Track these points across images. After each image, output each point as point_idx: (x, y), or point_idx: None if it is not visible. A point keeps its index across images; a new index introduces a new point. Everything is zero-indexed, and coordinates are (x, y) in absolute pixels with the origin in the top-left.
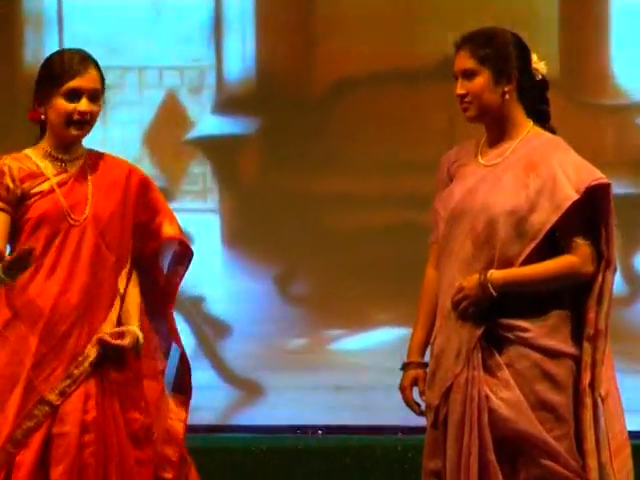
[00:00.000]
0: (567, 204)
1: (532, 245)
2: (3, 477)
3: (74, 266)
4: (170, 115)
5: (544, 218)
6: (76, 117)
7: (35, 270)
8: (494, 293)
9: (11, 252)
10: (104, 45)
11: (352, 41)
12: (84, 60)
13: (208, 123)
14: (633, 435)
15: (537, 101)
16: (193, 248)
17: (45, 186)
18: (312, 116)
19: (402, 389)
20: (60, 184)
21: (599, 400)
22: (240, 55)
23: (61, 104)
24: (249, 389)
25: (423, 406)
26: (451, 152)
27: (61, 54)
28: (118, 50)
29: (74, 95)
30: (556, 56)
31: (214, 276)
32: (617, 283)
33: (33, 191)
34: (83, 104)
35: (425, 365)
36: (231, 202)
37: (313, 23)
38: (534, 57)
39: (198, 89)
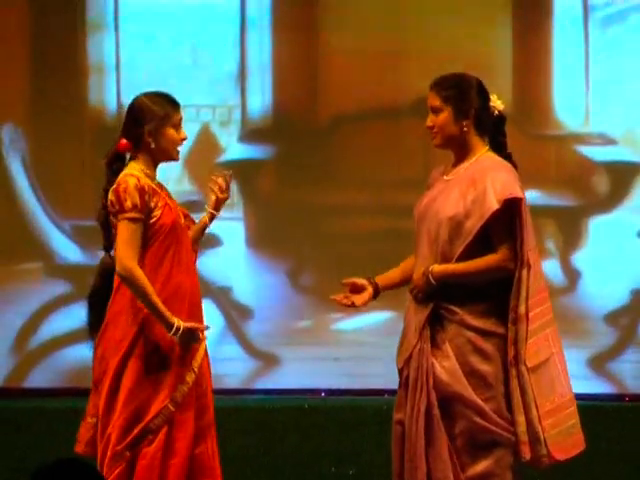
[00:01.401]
0: (489, 213)
1: (464, 245)
2: (165, 432)
3: (189, 259)
4: (205, 143)
5: (474, 223)
6: (181, 143)
7: (171, 265)
8: (434, 283)
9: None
10: (152, 88)
11: (347, 85)
12: (173, 97)
13: (235, 150)
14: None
15: (495, 133)
16: (222, 249)
17: (163, 199)
18: (316, 144)
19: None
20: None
21: (524, 370)
22: (260, 96)
23: (172, 134)
24: (266, 360)
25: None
26: (433, 171)
27: (155, 95)
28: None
29: (179, 125)
30: (509, 96)
31: (239, 270)
32: (559, 276)
33: (159, 204)
34: (184, 132)
35: (371, 283)
36: (253, 212)
37: (316, 72)
38: (493, 97)
39: (227, 123)
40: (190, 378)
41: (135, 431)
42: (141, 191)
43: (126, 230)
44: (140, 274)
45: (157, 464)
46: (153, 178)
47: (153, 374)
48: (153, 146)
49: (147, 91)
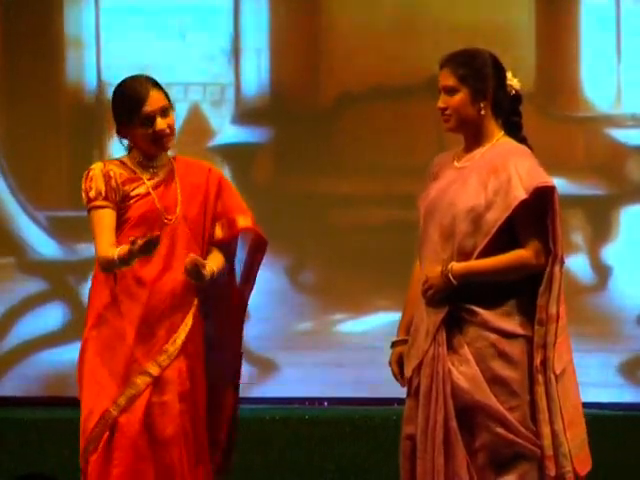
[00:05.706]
0: (516, 203)
1: (486, 240)
2: (107, 438)
3: (169, 259)
4: (194, 126)
5: (497, 215)
6: (156, 137)
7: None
8: (454, 282)
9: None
10: (136, 64)
11: (352, 61)
12: (144, 86)
13: (227, 133)
14: (605, 406)
15: (510, 113)
16: None
17: (142, 189)
18: (318, 126)
19: (390, 364)
20: (154, 187)
21: (552, 377)
22: (256, 73)
23: (141, 131)
24: (264, 366)
25: None
26: (437, 157)
27: (123, 88)
28: (148, 68)
29: (148, 120)
30: (532, 73)
31: None
32: (587, 273)
33: (132, 193)
34: (158, 124)
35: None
36: (247, 202)
37: (318, 46)
38: (509, 74)
39: (219, 103)
40: (142, 381)
41: (84, 440)
42: (106, 176)
43: (92, 222)
44: (104, 256)
45: (96, 475)
46: (150, 166)
47: (99, 376)
48: (131, 145)
49: (123, 79)
